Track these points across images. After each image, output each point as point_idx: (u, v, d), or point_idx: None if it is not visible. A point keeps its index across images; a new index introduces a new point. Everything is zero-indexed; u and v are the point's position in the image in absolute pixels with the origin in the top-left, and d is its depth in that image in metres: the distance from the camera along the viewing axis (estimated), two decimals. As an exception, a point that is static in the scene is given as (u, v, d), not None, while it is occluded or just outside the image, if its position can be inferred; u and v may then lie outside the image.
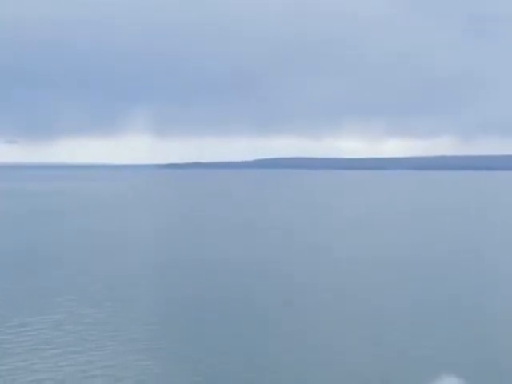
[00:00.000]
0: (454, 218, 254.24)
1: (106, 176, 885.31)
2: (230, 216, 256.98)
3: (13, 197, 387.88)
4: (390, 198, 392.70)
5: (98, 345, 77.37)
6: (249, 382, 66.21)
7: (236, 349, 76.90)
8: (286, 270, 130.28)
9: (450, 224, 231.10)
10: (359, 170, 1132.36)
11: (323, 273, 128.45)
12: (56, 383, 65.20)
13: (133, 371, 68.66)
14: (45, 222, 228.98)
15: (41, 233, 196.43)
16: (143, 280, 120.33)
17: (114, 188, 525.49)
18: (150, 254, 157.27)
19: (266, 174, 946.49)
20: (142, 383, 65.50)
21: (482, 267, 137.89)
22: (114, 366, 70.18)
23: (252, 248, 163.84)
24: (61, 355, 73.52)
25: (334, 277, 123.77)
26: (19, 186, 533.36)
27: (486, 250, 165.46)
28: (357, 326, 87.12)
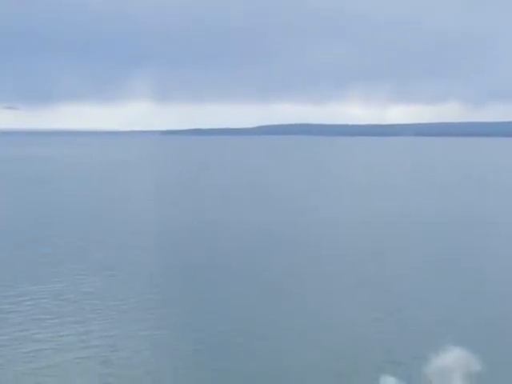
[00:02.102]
0: (460, 184, 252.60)
1: (106, 142, 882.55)
2: (231, 182, 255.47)
3: (12, 163, 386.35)
4: (393, 165, 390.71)
5: (98, 314, 76.52)
6: (250, 348, 65.41)
7: (237, 316, 76.03)
8: (288, 235, 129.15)
9: (455, 189, 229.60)
10: (364, 136, 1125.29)
11: (326, 237, 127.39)
12: (56, 353, 64.45)
13: (133, 341, 67.84)
14: (45, 188, 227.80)
15: (41, 199, 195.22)
16: (144, 247, 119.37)
17: (114, 154, 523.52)
18: (150, 220, 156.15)
19: (268, 141, 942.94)
20: (143, 352, 64.73)
21: (487, 232, 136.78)
22: (114, 335, 69.35)
23: (254, 212, 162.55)
24: (61, 325, 72.72)
25: (336, 241, 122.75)
26: (19, 152, 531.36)
27: (492, 214, 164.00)
28: (360, 292, 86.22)
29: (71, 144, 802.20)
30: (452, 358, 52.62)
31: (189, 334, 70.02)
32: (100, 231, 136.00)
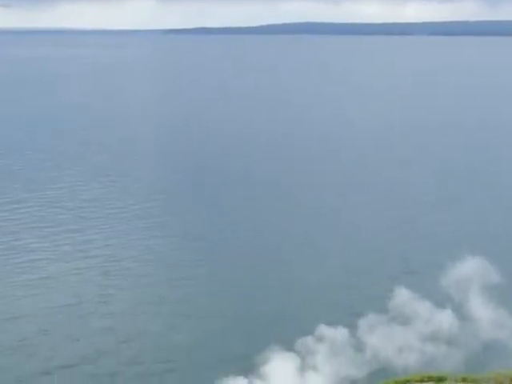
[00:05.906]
0: (475, 85, 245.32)
1: (107, 42, 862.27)
2: (233, 83, 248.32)
3: (7, 64, 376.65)
4: (408, 64, 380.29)
5: (97, 223, 73.16)
6: (258, 260, 62.44)
7: (243, 226, 72.88)
8: (294, 142, 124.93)
9: (470, 91, 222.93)
10: (378, 35, 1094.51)
11: (335, 145, 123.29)
12: (53, 263, 61.48)
13: (134, 250, 64.83)
14: (43, 91, 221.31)
15: (38, 102, 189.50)
16: (146, 153, 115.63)
17: (115, 54, 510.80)
18: (152, 123, 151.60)
19: (275, 40, 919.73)
20: (144, 263, 61.78)
21: (504, 137, 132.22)
22: (113, 245, 66.24)
23: (259, 117, 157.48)
24: (58, 234, 69.50)
25: (348, 150, 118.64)
26: (14, 52, 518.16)
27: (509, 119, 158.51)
28: (374, 200, 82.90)
29: (68, 44, 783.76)
30: (469, 268, 50.06)
31: (191, 244, 66.94)
32: (100, 135, 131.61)
